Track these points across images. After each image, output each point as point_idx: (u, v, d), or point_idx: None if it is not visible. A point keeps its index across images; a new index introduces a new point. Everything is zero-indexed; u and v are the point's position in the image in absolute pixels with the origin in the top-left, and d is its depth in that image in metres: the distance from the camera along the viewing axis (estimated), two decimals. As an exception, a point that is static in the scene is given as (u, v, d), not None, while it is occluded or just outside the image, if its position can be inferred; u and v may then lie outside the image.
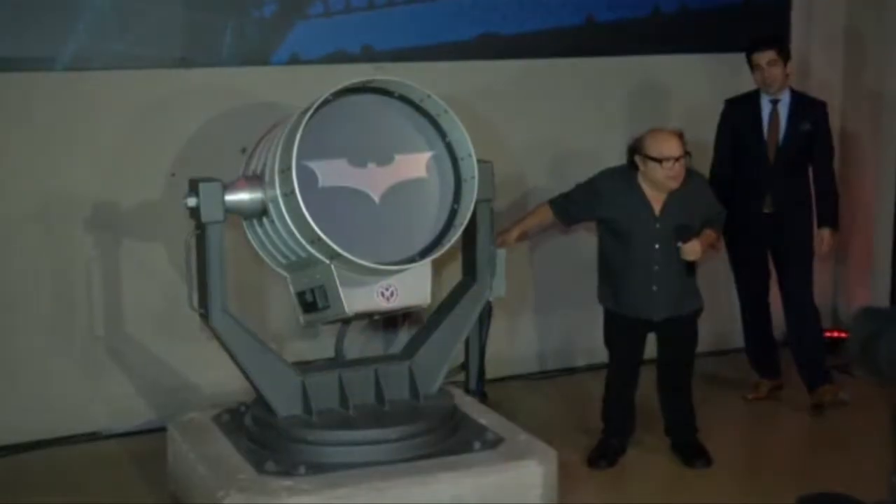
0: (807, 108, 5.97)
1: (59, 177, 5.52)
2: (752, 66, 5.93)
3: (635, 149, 5.18)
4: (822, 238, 6.00)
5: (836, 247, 6.29)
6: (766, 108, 5.95)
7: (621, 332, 5.37)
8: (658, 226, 5.20)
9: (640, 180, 5.20)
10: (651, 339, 5.42)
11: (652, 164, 5.12)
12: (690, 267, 5.24)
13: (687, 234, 5.18)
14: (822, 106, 6.03)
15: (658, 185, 5.17)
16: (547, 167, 6.43)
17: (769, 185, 5.92)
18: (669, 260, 5.20)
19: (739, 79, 6.25)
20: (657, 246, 5.21)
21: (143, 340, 5.76)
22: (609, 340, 5.46)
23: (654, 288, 5.23)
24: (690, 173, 5.26)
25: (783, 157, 5.92)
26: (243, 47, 5.76)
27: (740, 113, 6.03)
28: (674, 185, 5.16)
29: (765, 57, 5.87)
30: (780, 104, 5.94)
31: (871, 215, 7.07)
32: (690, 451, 5.39)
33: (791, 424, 6.05)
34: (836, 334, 6.75)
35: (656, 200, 5.21)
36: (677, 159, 5.11)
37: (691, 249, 5.18)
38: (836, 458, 5.44)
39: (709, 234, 5.30)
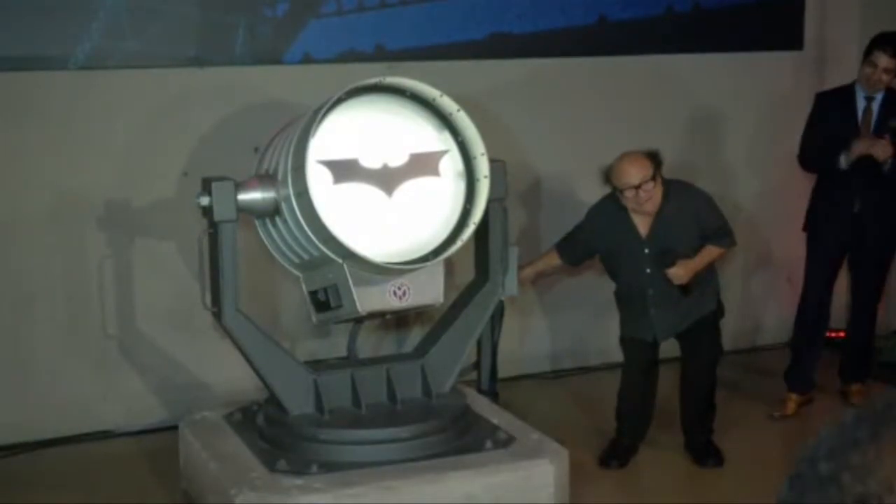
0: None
1: (72, 176, 5.53)
2: (866, 61, 5.75)
3: (607, 176, 5.11)
4: None
5: None
6: (860, 105, 5.82)
7: (633, 343, 5.37)
8: (647, 250, 5.13)
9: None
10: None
11: (619, 193, 5.07)
12: (685, 288, 5.13)
13: (670, 259, 5.07)
14: None
15: (634, 210, 5.11)
16: (559, 166, 6.42)
17: (860, 184, 5.73)
18: (663, 282, 5.12)
19: (753, 78, 6.23)
20: (648, 270, 5.15)
21: (156, 339, 5.77)
22: (624, 342, 5.45)
23: (652, 311, 5.20)
24: (682, 189, 5.18)
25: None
26: (256, 46, 5.77)
27: (833, 108, 5.87)
28: (648, 208, 5.07)
29: (885, 60, 5.68)
30: (874, 102, 5.81)
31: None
32: (703, 451, 5.38)
33: (804, 424, 6.02)
34: None
35: (643, 224, 5.13)
36: (638, 187, 5.00)
37: (675, 275, 5.08)
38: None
39: (709, 251, 5.13)
